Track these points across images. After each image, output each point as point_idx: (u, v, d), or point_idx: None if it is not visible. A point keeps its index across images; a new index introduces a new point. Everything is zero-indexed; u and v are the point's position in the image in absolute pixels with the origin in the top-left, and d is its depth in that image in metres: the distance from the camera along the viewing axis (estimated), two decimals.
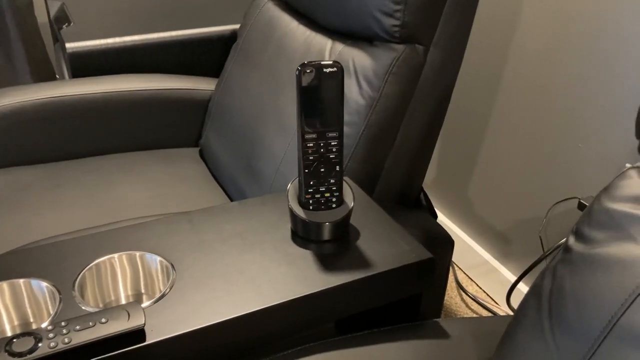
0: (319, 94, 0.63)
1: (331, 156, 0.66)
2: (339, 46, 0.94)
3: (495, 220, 1.43)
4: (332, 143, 0.66)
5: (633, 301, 0.51)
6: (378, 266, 0.65)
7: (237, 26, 1.33)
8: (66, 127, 1.18)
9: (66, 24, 1.44)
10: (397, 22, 0.85)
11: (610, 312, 0.52)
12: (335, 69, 0.62)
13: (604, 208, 0.57)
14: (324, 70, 0.62)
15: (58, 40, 1.61)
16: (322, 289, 0.62)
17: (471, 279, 1.55)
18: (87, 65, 1.29)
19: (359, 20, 0.91)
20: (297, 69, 0.62)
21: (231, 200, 1.10)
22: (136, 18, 1.44)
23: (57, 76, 1.98)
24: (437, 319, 0.70)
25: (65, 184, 1.09)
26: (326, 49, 0.95)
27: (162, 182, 1.13)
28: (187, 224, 0.72)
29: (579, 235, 0.59)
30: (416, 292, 0.71)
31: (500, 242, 1.43)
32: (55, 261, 0.63)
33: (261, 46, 1.11)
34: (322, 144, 0.66)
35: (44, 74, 1.93)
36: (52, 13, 1.57)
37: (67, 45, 1.26)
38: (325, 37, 0.98)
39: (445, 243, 0.91)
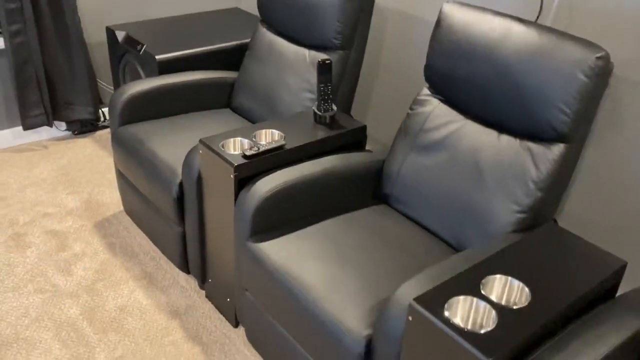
0: (324, 70, 1.86)
1: (329, 92, 1.90)
2: (313, 53, 2.17)
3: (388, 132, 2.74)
4: (329, 88, 1.89)
5: (423, 125, 1.81)
6: (348, 126, 1.91)
7: (245, 41, 2.53)
8: (166, 99, 2.30)
9: (139, 45, 2.53)
10: (338, 42, 2.11)
11: (418, 128, 1.82)
12: (329, 61, 1.86)
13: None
14: (325, 61, 1.86)
15: (122, 56, 2.67)
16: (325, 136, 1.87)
17: None
18: (167, 67, 2.41)
19: (320, 39, 2.15)
20: (318, 61, 1.84)
21: None
22: (181, 38, 2.56)
23: (101, 83, 3.00)
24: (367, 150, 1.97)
25: (178, 125, 2.22)
26: (307, 54, 2.18)
27: (224, 121, 2.29)
28: (264, 126, 1.91)
29: (410, 108, 1.88)
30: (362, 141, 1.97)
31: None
32: (239, 135, 1.81)
33: (267, 52, 2.32)
34: (325, 89, 1.89)
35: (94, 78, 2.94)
36: (120, 39, 2.63)
37: (157, 56, 2.38)
38: (304, 49, 2.21)
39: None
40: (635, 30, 1.72)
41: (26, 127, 2.81)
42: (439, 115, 1.80)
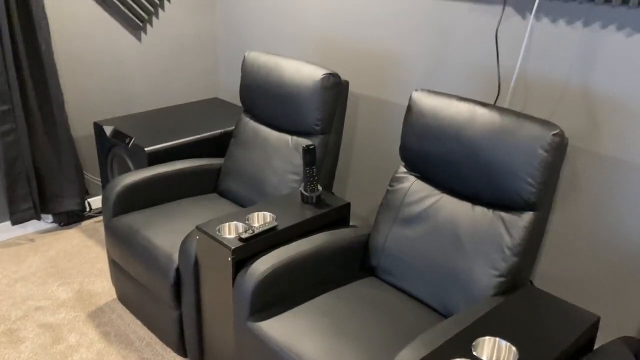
0: (309, 155, 2.02)
1: (314, 174, 2.05)
2: (295, 138, 2.34)
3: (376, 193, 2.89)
4: (314, 170, 2.04)
5: (403, 200, 1.96)
6: (334, 204, 2.05)
7: (227, 129, 2.69)
8: (156, 188, 2.41)
9: (127, 138, 2.66)
10: (318, 128, 2.28)
11: (398, 203, 1.97)
12: (313, 146, 2.02)
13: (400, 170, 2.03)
14: (310, 147, 2.02)
15: (110, 149, 2.80)
16: (320, 213, 2.00)
17: None
18: (155, 158, 2.54)
19: (302, 126, 2.32)
20: (303, 147, 2.00)
21: None
22: (166, 129, 2.71)
23: (89, 175, 3.10)
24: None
25: (170, 213, 2.33)
26: (289, 140, 2.35)
27: (213, 206, 2.41)
28: (256, 209, 2.04)
29: (390, 185, 2.04)
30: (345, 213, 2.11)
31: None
32: (233, 219, 1.93)
33: (251, 139, 2.47)
34: (310, 171, 2.04)
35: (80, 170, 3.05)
36: (108, 133, 2.77)
37: (146, 148, 2.51)
38: (286, 135, 2.38)
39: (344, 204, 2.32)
40: (582, 103, 1.94)
41: (15, 222, 2.86)
42: (416, 190, 1.96)
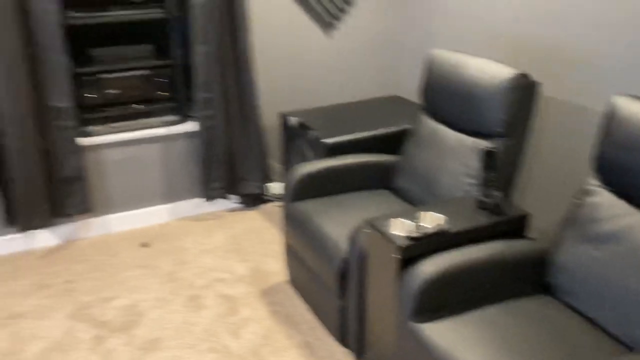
0: (489, 158, 1.93)
1: (493, 179, 1.95)
2: (474, 140, 2.25)
3: None
4: (494, 174, 1.95)
5: (592, 216, 1.78)
6: (512, 213, 1.93)
7: (404, 127, 2.69)
8: (331, 179, 2.49)
9: (310, 130, 2.79)
10: (501, 130, 2.17)
11: (586, 218, 1.79)
12: (495, 149, 1.92)
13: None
14: (491, 149, 1.92)
15: (294, 138, 2.96)
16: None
17: None
18: (334, 150, 2.63)
19: (484, 127, 2.22)
20: (483, 149, 1.92)
21: None
22: (345, 124, 2.79)
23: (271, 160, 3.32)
24: None
25: (342, 204, 2.39)
26: (468, 141, 2.27)
27: (383, 201, 2.42)
28: (427, 208, 1.99)
29: (577, 198, 1.86)
30: None
31: None
32: (403, 216, 1.91)
33: (428, 138, 2.44)
34: (489, 175, 1.95)
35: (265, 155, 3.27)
36: (293, 124, 2.93)
37: (327, 140, 2.61)
38: (465, 135, 2.30)
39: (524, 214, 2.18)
40: None
41: (208, 199, 3.17)
42: (609, 206, 1.77)
